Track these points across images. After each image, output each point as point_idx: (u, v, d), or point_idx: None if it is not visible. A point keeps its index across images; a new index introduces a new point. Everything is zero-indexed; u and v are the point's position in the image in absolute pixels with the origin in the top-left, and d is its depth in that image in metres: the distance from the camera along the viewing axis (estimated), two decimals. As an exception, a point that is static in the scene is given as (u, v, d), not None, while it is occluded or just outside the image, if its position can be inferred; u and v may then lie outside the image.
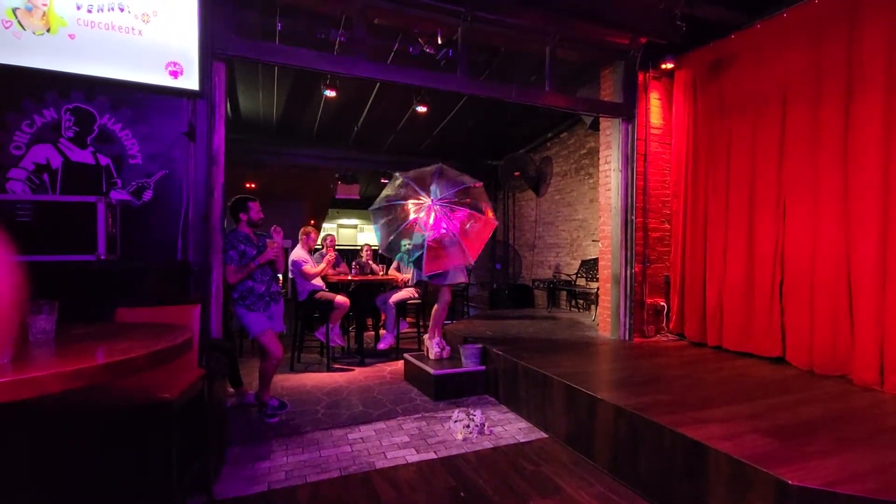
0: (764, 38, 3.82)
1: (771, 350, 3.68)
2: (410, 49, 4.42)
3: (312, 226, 5.25)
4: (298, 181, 10.19)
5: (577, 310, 6.82)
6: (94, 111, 2.90)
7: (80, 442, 1.91)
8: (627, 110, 4.58)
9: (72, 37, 2.75)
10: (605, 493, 2.38)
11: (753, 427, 2.26)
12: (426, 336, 4.41)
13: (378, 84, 5.60)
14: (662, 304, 4.74)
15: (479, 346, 4.05)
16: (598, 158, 5.10)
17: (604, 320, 4.83)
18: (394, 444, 2.94)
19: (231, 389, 3.62)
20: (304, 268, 4.67)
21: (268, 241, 3.47)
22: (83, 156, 2.88)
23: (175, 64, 3.00)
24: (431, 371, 3.85)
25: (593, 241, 6.41)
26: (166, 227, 3.02)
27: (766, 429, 2.24)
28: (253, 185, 9.83)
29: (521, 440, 3.06)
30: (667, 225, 4.80)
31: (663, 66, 4.54)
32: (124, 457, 2.06)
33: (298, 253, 4.76)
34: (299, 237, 4.87)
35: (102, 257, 2.50)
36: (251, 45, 3.42)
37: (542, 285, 7.25)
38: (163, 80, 2.97)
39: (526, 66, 5.17)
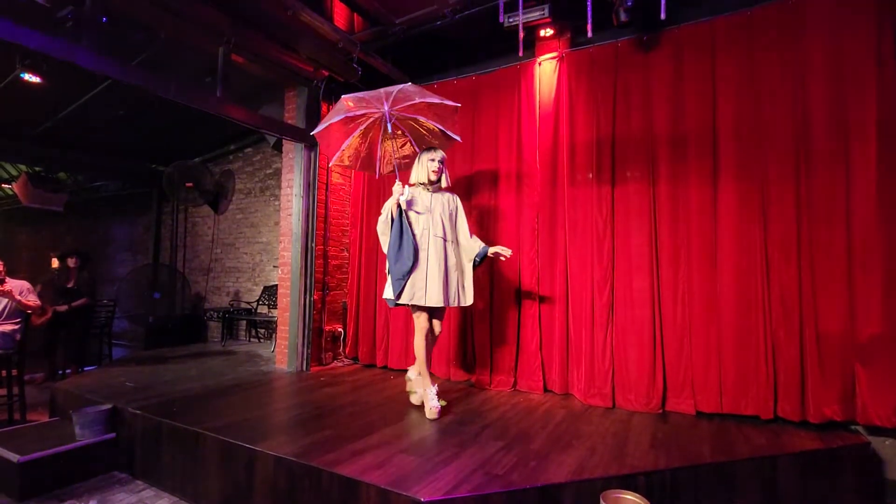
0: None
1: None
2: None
3: None
4: None
5: (258, 340, 6.28)
6: None
7: None
8: (310, 137, 4.55)
9: None
10: (257, 565, 2.08)
11: (401, 448, 2.44)
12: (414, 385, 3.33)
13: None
14: (340, 330, 4.87)
15: (106, 407, 3.04)
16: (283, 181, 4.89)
17: (281, 352, 4.55)
18: None
19: None
20: None
21: None
22: None
23: None
24: (14, 458, 2.61)
25: (274, 266, 6.10)
26: None
27: (409, 447, 2.46)
28: None
29: (158, 525, 2.40)
30: (346, 253, 5.01)
31: (345, 103, 4.77)
32: None
33: None
34: None
35: None
36: None
37: (216, 315, 6.34)
38: None
39: (201, 66, 4.47)
